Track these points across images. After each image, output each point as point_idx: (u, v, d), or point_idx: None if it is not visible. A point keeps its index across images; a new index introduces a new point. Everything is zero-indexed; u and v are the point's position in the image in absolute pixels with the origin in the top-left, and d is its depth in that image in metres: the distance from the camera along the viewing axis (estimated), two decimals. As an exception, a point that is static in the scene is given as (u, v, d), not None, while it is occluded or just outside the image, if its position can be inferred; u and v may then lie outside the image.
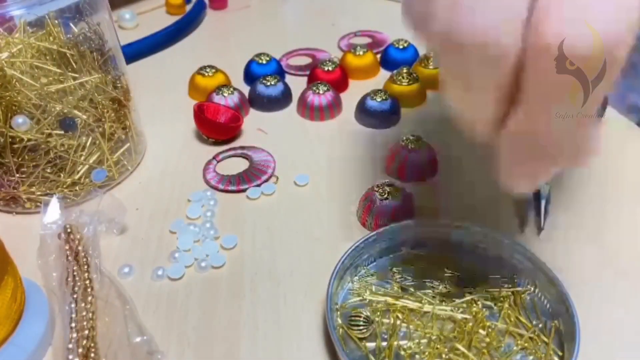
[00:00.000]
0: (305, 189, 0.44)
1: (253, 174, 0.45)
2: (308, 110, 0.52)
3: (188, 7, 0.75)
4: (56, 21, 0.39)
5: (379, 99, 0.51)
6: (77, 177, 0.41)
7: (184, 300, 0.35)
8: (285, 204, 0.42)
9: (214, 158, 0.47)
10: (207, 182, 0.44)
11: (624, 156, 0.46)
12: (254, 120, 0.52)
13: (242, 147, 0.48)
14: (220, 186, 0.44)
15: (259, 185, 0.44)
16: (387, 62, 0.60)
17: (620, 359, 0.31)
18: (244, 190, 0.43)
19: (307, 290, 0.35)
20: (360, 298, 0.34)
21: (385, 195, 0.39)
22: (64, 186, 0.41)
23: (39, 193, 0.41)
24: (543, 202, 0.40)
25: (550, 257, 0.34)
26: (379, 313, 0.32)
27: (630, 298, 0.34)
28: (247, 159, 0.47)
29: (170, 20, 0.71)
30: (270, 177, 0.45)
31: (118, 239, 0.39)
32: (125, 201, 0.40)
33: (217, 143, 0.49)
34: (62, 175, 0.41)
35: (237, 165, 0.46)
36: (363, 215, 0.40)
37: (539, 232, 0.39)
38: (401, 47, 0.60)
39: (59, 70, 0.39)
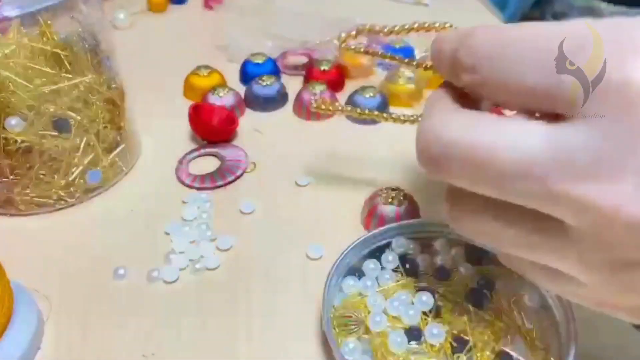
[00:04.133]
0: (302, 189, 0.44)
1: (227, 169, 0.45)
2: (304, 110, 0.52)
3: (172, 6, 0.75)
4: (49, 22, 0.39)
5: (367, 95, 0.51)
6: (71, 178, 0.41)
7: (180, 302, 0.35)
8: (282, 204, 0.42)
9: (180, 163, 0.46)
10: (181, 182, 0.44)
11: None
12: (250, 120, 0.52)
13: (209, 145, 0.48)
14: (196, 185, 0.44)
15: (234, 180, 0.44)
16: (383, 61, 0.60)
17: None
18: (220, 186, 0.44)
19: (304, 291, 0.35)
20: (354, 298, 0.33)
21: (390, 200, 0.39)
22: (58, 188, 0.41)
23: (33, 195, 0.40)
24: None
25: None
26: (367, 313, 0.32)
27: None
28: (216, 156, 0.47)
29: (165, 20, 0.71)
30: (244, 171, 0.45)
31: (113, 240, 0.39)
32: (120, 202, 0.40)
33: (212, 143, 0.49)
34: (56, 176, 0.40)
35: (209, 164, 0.47)
36: (366, 220, 0.40)
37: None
38: (398, 46, 0.59)
39: (52, 71, 0.38)
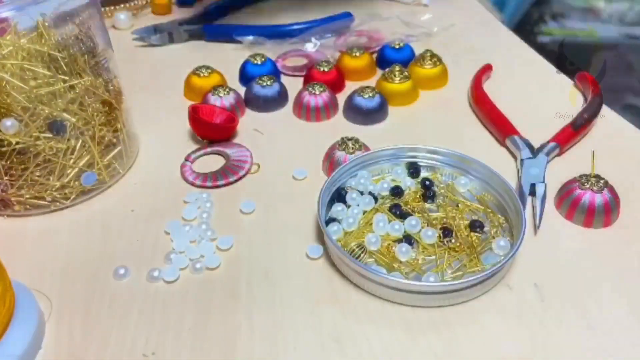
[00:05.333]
0: (301, 188, 0.43)
1: (231, 169, 0.45)
2: (304, 111, 0.52)
3: (175, 7, 0.75)
4: (47, 24, 0.39)
5: (366, 96, 0.51)
6: (66, 180, 0.41)
7: (180, 302, 0.34)
8: (282, 204, 0.42)
9: (186, 159, 0.46)
10: (185, 179, 0.44)
11: (620, 155, 0.46)
12: (249, 121, 0.52)
13: (216, 144, 0.48)
14: (198, 182, 0.44)
15: (236, 181, 0.44)
16: (383, 62, 0.60)
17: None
18: (221, 186, 0.44)
19: (303, 291, 0.35)
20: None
21: (351, 151, 0.43)
22: (53, 189, 0.40)
23: (28, 196, 0.40)
24: (539, 201, 0.40)
25: (547, 254, 0.34)
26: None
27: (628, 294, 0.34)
28: (221, 155, 0.47)
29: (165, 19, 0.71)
30: (248, 172, 0.45)
31: (113, 240, 0.39)
32: (120, 202, 0.40)
33: (212, 143, 0.48)
34: (51, 178, 0.40)
35: (214, 163, 0.46)
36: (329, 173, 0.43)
37: (536, 230, 0.39)
38: (397, 47, 0.59)
39: (49, 73, 0.38)
